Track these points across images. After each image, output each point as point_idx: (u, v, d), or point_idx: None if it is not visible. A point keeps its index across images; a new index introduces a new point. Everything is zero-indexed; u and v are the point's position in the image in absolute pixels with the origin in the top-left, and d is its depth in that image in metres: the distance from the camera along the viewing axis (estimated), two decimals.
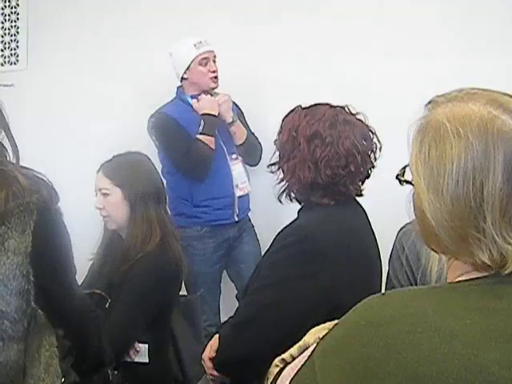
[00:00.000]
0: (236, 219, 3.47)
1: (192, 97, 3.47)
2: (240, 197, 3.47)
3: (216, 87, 3.47)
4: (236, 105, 3.63)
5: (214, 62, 3.46)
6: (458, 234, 0.84)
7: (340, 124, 1.80)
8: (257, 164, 3.58)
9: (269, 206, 3.60)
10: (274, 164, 1.89)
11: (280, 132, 1.87)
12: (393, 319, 0.80)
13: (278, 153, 1.88)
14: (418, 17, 3.47)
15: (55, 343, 1.41)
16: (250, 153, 3.55)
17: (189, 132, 3.38)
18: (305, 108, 1.89)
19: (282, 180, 1.86)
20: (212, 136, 3.34)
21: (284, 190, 1.87)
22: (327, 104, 1.88)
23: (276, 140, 1.90)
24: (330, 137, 1.78)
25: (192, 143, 3.31)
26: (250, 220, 3.66)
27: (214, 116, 3.37)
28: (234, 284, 3.62)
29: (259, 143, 3.58)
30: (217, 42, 3.52)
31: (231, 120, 3.45)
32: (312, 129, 1.79)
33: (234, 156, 3.49)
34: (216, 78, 3.44)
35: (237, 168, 3.49)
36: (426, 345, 0.77)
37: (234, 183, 3.45)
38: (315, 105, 1.89)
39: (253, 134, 3.61)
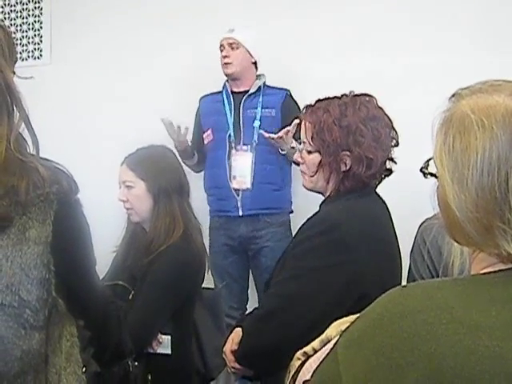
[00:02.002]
0: (240, 213, 3.46)
1: (225, 87, 3.57)
2: (244, 191, 3.44)
3: (229, 73, 3.50)
4: (294, 101, 3.55)
5: (233, 48, 3.46)
6: (484, 225, 0.84)
7: (375, 104, 1.84)
8: None
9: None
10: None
11: (318, 132, 1.81)
12: (417, 310, 0.80)
13: (313, 156, 1.84)
14: (441, 11, 3.45)
15: (76, 333, 1.42)
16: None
17: (203, 119, 3.62)
18: (319, 102, 1.88)
19: (343, 173, 1.80)
20: (187, 159, 3.53)
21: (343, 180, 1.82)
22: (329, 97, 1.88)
23: (309, 145, 1.85)
24: (379, 114, 1.81)
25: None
26: (289, 226, 3.55)
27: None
28: (255, 287, 3.63)
29: None
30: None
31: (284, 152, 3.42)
32: (362, 112, 1.79)
33: (244, 148, 3.47)
34: (227, 64, 3.46)
35: (241, 160, 3.46)
36: (451, 336, 0.76)
37: (229, 174, 3.46)
38: (325, 99, 1.89)
39: None
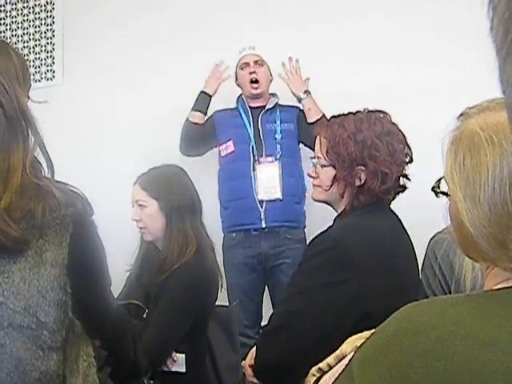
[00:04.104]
0: (263, 225, 3.39)
1: (241, 102, 3.57)
2: (269, 201, 3.40)
3: (257, 94, 3.50)
4: (300, 109, 3.60)
5: (260, 65, 3.48)
6: (498, 241, 0.84)
7: (389, 120, 1.86)
8: None
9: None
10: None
11: (333, 147, 1.83)
12: (431, 327, 0.80)
13: (328, 170, 1.85)
14: (451, 25, 3.46)
15: (92, 353, 1.43)
16: None
17: (219, 131, 3.54)
18: (334, 118, 1.90)
19: (357, 187, 1.81)
20: (198, 111, 3.53)
21: (358, 195, 1.82)
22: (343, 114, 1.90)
23: (323, 159, 1.86)
24: (394, 129, 1.82)
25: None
26: (305, 239, 3.52)
27: (209, 96, 3.56)
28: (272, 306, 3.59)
29: None
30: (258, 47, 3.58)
31: (302, 96, 3.48)
32: (377, 127, 1.80)
33: (269, 159, 3.45)
34: (255, 81, 3.46)
35: (267, 171, 3.43)
36: (466, 352, 0.76)
37: (255, 185, 3.41)
38: (339, 115, 1.90)
39: None
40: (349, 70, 3.68)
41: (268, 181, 3.41)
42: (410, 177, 1.88)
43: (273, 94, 3.63)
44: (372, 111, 1.88)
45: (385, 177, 1.78)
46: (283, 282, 3.37)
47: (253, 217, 3.41)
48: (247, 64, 3.48)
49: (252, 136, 3.47)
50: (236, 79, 3.61)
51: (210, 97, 3.59)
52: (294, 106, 3.61)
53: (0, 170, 1.24)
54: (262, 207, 3.40)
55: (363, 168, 1.78)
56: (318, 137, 1.91)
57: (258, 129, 3.50)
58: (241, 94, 3.64)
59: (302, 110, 3.57)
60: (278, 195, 3.42)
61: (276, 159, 3.45)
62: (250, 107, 3.56)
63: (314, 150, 3.40)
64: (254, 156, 3.46)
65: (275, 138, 3.47)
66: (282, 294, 3.26)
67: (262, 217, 3.40)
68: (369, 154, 1.77)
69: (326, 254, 1.69)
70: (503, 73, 0.55)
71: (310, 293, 1.68)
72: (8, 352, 1.23)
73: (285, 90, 3.64)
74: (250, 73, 3.46)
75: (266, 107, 3.55)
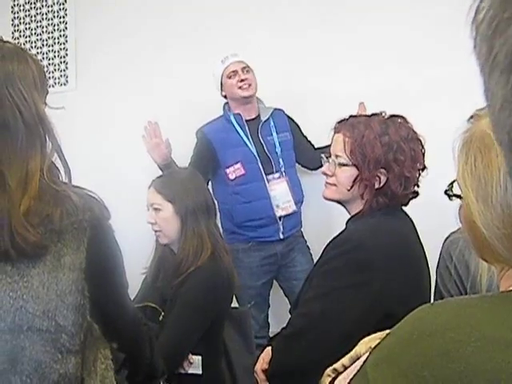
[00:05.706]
0: (281, 237, 3.47)
1: (235, 117, 3.50)
2: (286, 216, 3.45)
3: (250, 95, 3.46)
4: (290, 118, 3.63)
5: (247, 71, 3.45)
6: (511, 242, 0.84)
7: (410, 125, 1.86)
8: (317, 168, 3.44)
9: (320, 217, 3.62)
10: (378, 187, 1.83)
11: (359, 147, 1.82)
12: (446, 328, 0.79)
13: (347, 169, 1.85)
14: (460, 24, 3.45)
15: (110, 356, 1.44)
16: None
17: (219, 153, 3.44)
18: (354, 117, 1.90)
19: (376, 190, 1.82)
20: None
21: (377, 197, 1.83)
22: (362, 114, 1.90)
23: (345, 158, 1.85)
24: (416, 136, 1.83)
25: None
26: (302, 236, 3.63)
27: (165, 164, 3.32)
28: (287, 300, 3.61)
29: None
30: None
31: None
32: (403, 132, 1.81)
33: (276, 175, 3.46)
34: (248, 85, 3.42)
35: (278, 188, 3.45)
36: (481, 354, 0.75)
37: (273, 204, 3.43)
38: (358, 115, 1.91)
39: (309, 141, 3.64)
40: (358, 71, 3.67)
41: (281, 197, 3.46)
42: (425, 177, 1.89)
43: (258, 100, 3.60)
44: (393, 115, 1.88)
45: (407, 181, 1.79)
46: (297, 270, 3.50)
47: (271, 231, 3.48)
48: (235, 72, 3.44)
49: (256, 153, 3.45)
50: (222, 90, 3.54)
51: (168, 162, 3.34)
52: (278, 109, 3.61)
53: (19, 175, 1.26)
54: (280, 221, 3.46)
55: (385, 171, 1.79)
56: (339, 135, 1.88)
57: (260, 144, 3.48)
58: (227, 102, 3.59)
59: (288, 116, 3.63)
60: (294, 208, 3.49)
61: (282, 174, 3.48)
62: (246, 121, 3.51)
63: (301, 164, 3.61)
64: (264, 174, 3.46)
65: (276, 153, 3.49)
66: (292, 284, 3.46)
67: (281, 229, 3.47)
68: (394, 157, 1.78)
69: (347, 255, 1.69)
70: (488, 89, 0.56)
71: (334, 294, 1.68)
72: (27, 355, 1.25)
73: (291, 86, 3.65)
74: (242, 80, 3.41)
75: (263, 119, 3.53)
